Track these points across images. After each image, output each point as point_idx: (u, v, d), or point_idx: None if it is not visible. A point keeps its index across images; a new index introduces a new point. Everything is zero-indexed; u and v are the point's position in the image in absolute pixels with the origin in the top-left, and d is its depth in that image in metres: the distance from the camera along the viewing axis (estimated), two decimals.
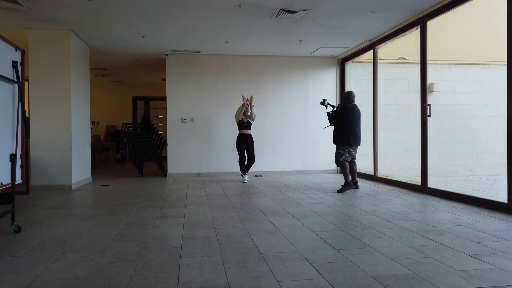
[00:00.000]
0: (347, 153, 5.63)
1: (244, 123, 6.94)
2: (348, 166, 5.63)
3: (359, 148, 5.78)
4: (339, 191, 5.48)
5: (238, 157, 7.04)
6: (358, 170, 7.66)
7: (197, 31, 6.20)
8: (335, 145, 5.80)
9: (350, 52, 7.66)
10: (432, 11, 5.14)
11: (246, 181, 6.87)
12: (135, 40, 6.66)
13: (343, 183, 5.67)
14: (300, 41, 6.86)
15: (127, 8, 5.07)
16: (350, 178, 5.59)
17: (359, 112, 5.67)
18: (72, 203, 4.83)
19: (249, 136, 6.98)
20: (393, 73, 8.18)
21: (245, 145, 6.94)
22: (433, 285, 2.12)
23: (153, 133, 8.43)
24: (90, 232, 3.34)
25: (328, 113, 5.89)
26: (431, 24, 5.34)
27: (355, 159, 5.77)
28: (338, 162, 5.67)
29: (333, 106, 5.89)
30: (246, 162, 7.02)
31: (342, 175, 7.73)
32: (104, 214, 4.07)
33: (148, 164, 10.29)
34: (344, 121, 5.57)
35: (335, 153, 5.75)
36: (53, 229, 3.45)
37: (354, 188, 5.70)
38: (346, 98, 5.74)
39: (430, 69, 5.44)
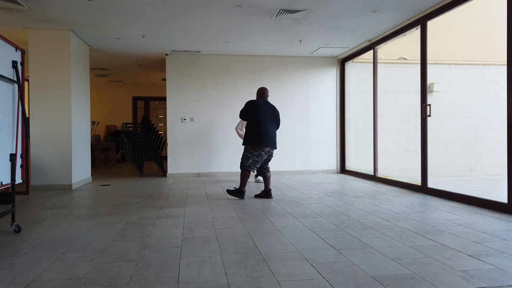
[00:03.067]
0: (255, 157, 4.88)
1: None
2: (250, 174, 4.96)
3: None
4: (229, 192, 5.01)
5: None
6: (357, 170, 7.71)
7: (197, 31, 6.20)
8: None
9: (350, 52, 7.66)
10: (432, 11, 5.14)
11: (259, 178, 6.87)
12: (135, 40, 6.66)
13: (262, 190, 5.18)
14: (300, 41, 6.86)
15: (127, 8, 5.07)
16: (245, 188, 4.99)
17: (271, 109, 4.99)
18: (72, 203, 4.83)
19: None
20: (393, 73, 8.18)
21: None
22: (433, 285, 2.12)
23: (153, 133, 8.43)
24: (90, 232, 3.34)
25: None
26: (431, 24, 5.34)
27: (266, 163, 5.09)
28: (244, 166, 4.91)
29: None
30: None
31: (340, 175, 7.74)
32: (104, 214, 4.07)
33: (148, 164, 10.29)
34: (249, 117, 4.93)
35: (242, 156, 5.00)
36: (53, 229, 3.45)
37: (268, 197, 5.01)
38: (257, 94, 5.21)
39: (430, 69, 5.44)
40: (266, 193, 5.06)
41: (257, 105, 4.95)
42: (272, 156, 5.10)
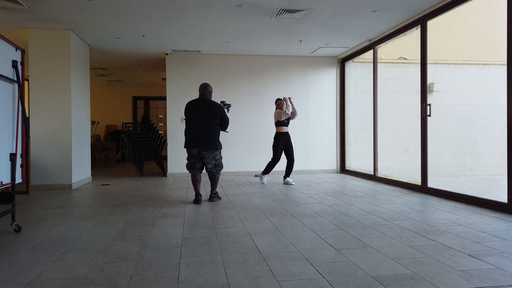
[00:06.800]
0: (189, 158, 4.70)
1: (284, 121, 6.48)
2: (193, 175, 4.70)
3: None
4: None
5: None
6: (357, 170, 7.71)
7: (197, 31, 6.20)
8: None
9: (350, 52, 7.66)
10: (432, 11, 5.14)
11: (265, 182, 6.57)
12: (135, 40, 6.65)
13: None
14: (300, 41, 6.86)
15: (127, 8, 5.07)
16: (199, 189, 4.70)
17: (204, 107, 4.62)
18: (72, 202, 4.83)
19: (288, 134, 6.55)
20: (393, 73, 8.18)
21: (284, 144, 6.42)
22: (433, 285, 2.12)
23: (153, 133, 8.43)
24: (90, 231, 3.34)
25: None
26: (431, 24, 5.34)
27: (206, 165, 4.67)
28: (187, 167, 4.80)
29: (228, 105, 5.24)
30: (276, 164, 6.53)
31: (340, 175, 7.75)
32: (104, 214, 4.07)
33: (148, 164, 10.29)
34: (185, 118, 4.79)
35: None
36: (53, 228, 3.45)
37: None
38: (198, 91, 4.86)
39: (430, 69, 5.44)
40: (209, 196, 4.88)
41: (189, 106, 4.71)
42: (208, 158, 4.61)
